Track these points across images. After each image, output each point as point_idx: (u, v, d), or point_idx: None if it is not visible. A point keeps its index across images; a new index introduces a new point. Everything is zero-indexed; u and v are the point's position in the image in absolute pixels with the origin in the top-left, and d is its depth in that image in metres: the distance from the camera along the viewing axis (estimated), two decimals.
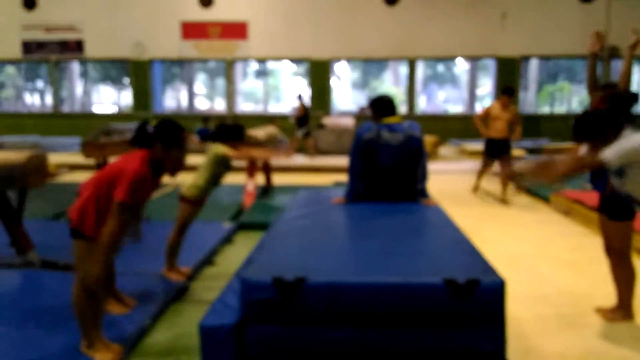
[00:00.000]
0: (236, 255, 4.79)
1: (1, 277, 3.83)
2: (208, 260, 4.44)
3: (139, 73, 14.53)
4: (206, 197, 3.93)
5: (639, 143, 2.40)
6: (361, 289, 2.14)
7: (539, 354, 2.81)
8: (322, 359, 2.18)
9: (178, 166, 2.73)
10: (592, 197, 5.10)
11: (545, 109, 16.85)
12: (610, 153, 2.43)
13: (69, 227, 2.60)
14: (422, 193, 3.64)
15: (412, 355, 2.15)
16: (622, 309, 3.23)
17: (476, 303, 2.10)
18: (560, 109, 16.91)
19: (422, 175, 3.63)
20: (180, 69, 24.86)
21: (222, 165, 3.87)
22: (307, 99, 13.50)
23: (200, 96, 27.04)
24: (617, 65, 15.23)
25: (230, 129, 3.98)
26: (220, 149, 3.86)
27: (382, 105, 3.71)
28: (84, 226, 2.53)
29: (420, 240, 2.90)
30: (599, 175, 3.20)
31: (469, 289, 2.09)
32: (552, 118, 14.85)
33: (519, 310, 3.36)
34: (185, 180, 3.84)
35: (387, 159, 3.58)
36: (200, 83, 26.92)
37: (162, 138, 2.66)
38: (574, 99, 18.46)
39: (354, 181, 3.69)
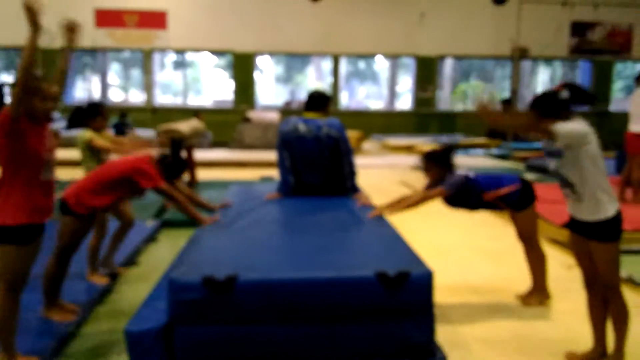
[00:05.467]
0: (161, 254, 4.62)
1: None
2: (131, 260, 4.23)
3: (49, 63, 13.57)
4: None
5: (586, 130, 2.53)
6: (294, 285, 2.12)
7: (466, 341, 2.93)
8: (255, 358, 2.14)
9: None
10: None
11: (459, 107, 17.68)
12: (562, 128, 2.48)
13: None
14: (354, 189, 3.72)
15: (346, 350, 2.16)
16: (538, 293, 3.48)
17: (406, 295, 2.13)
18: (473, 106, 17.85)
19: (349, 173, 3.70)
20: (92, 58, 23.51)
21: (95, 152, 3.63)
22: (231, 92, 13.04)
23: (114, 87, 25.76)
24: (526, 66, 16.27)
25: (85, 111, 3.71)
26: (85, 135, 3.63)
27: (307, 100, 3.82)
28: None
29: (353, 235, 2.93)
30: (472, 199, 3.46)
31: (399, 281, 2.12)
32: (465, 115, 15.60)
33: (447, 299, 3.50)
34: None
35: (305, 152, 3.65)
36: (114, 73, 25.64)
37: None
38: (485, 97, 19.53)
39: (283, 174, 3.75)
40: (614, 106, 15.27)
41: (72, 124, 3.73)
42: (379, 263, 2.23)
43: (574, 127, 2.52)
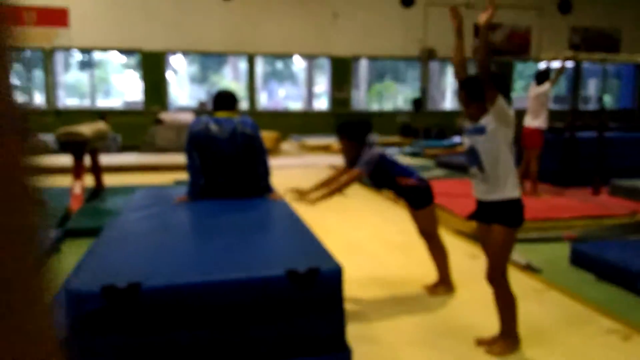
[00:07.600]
0: (62, 265, 4.33)
1: None
2: None
3: None
4: None
5: (513, 114, 2.68)
6: (202, 289, 2.04)
7: (375, 333, 2.98)
8: None
9: None
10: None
11: (375, 107, 18.12)
12: (503, 100, 2.61)
13: None
14: (268, 189, 3.68)
15: (259, 350, 2.12)
16: (443, 283, 3.63)
17: (317, 290, 2.13)
18: (387, 106, 18.33)
19: (263, 172, 3.66)
20: None
21: None
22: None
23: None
24: (434, 66, 16.94)
25: None
26: None
27: (215, 100, 3.73)
28: None
29: (265, 235, 2.90)
30: (383, 177, 3.54)
31: (309, 278, 2.12)
32: (380, 115, 16.01)
33: (357, 292, 3.55)
34: None
35: (217, 152, 3.57)
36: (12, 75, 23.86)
37: None
38: (399, 97, 20.21)
39: (193, 176, 3.64)
40: (515, 104, 16.20)
41: None
42: (289, 261, 2.21)
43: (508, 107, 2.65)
